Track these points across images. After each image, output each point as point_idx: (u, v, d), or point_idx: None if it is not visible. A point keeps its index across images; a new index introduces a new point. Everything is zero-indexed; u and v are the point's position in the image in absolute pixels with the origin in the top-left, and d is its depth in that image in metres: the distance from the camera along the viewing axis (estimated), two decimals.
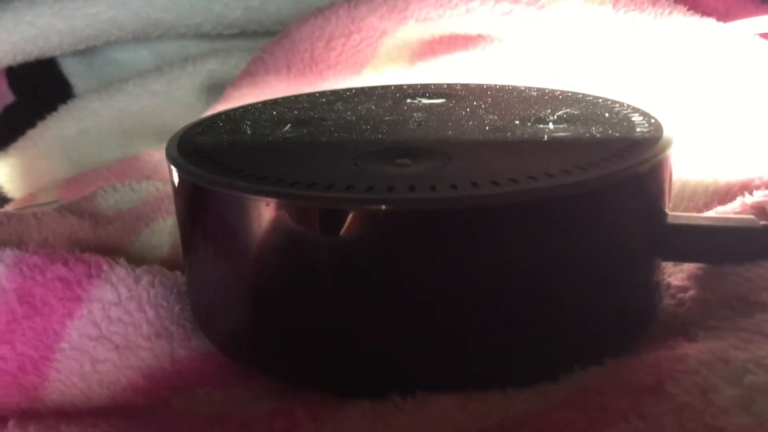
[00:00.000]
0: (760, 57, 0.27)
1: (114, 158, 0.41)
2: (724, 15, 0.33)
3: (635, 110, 0.19)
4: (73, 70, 0.44)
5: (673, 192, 0.24)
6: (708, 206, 0.22)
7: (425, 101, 0.21)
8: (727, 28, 0.30)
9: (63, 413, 0.17)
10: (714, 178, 0.23)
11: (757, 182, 0.22)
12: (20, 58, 0.41)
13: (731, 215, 0.18)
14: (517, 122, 0.18)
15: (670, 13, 0.31)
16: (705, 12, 0.32)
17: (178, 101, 0.42)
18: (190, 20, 0.42)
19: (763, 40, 0.28)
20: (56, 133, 0.42)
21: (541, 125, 0.18)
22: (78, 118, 0.42)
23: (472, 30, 0.32)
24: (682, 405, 0.12)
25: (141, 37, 0.43)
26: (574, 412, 0.13)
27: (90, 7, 0.41)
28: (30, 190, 0.42)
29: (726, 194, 0.22)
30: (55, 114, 0.42)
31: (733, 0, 0.34)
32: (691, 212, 0.23)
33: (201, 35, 0.43)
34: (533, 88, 0.22)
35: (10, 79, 0.43)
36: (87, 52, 0.43)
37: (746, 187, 0.22)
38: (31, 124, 0.42)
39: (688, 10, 0.32)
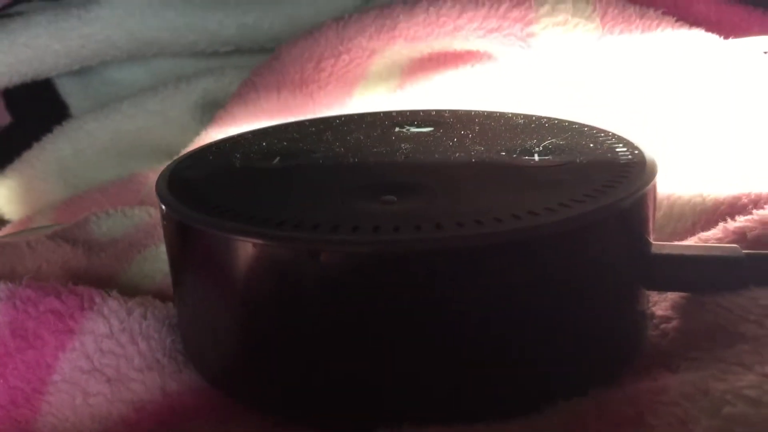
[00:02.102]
0: (749, 69, 0.27)
1: (110, 179, 0.42)
2: (716, 23, 0.33)
3: (619, 140, 0.19)
4: (69, 90, 0.44)
5: (662, 212, 0.24)
6: (695, 225, 0.23)
7: (414, 130, 0.22)
8: (717, 41, 0.30)
9: None
10: (702, 197, 0.23)
11: (744, 200, 0.22)
12: (16, 80, 0.41)
13: (714, 244, 0.18)
14: (503, 154, 0.19)
15: (658, 25, 0.32)
16: (696, 21, 0.32)
17: (172, 120, 0.42)
18: (185, 39, 0.43)
19: (753, 50, 0.28)
20: (52, 155, 0.42)
21: (527, 157, 0.18)
22: (73, 138, 0.42)
23: (461, 47, 0.33)
24: None
25: (136, 57, 0.43)
26: None
27: (85, 28, 0.41)
28: (27, 212, 0.42)
29: (714, 213, 0.22)
30: (50, 135, 0.42)
31: (724, 8, 0.34)
32: (680, 232, 0.23)
33: (196, 53, 0.44)
34: (520, 115, 0.22)
35: (7, 100, 0.43)
36: (83, 72, 0.44)
37: (734, 206, 0.22)
38: (28, 145, 0.43)
39: (677, 21, 0.32)
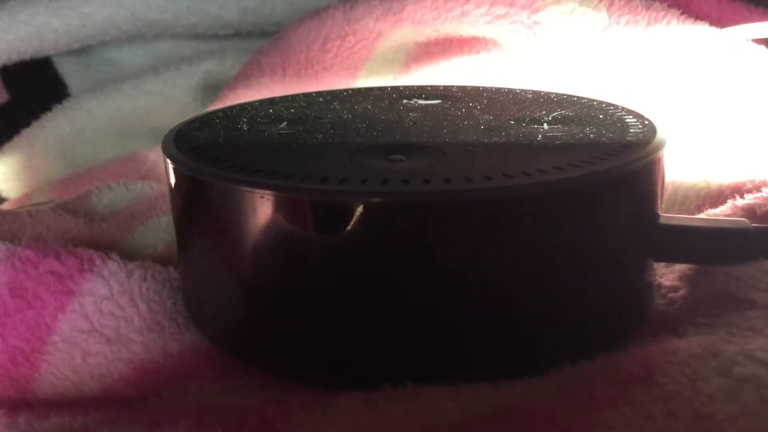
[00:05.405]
0: (753, 61, 0.28)
1: (109, 158, 0.41)
2: (717, 20, 0.33)
3: (629, 112, 0.19)
4: (68, 70, 0.44)
5: (666, 195, 0.24)
6: (699, 209, 0.23)
7: (421, 102, 0.22)
8: (720, 33, 0.30)
9: (53, 403, 0.17)
10: (706, 182, 0.23)
11: (749, 185, 0.22)
12: (15, 58, 0.41)
13: (722, 218, 0.18)
14: (512, 122, 0.18)
15: (664, 17, 0.32)
16: (698, 17, 0.32)
17: (173, 101, 0.42)
18: (186, 20, 0.42)
19: (756, 45, 0.29)
20: (51, 133, 0.42)
21: (536, 125, 0.18)
22: (73, 117, 0.42)
23: (467, 33, 0.33)
24: (671, 393, 0.12)
25: (137, 37, 0.43)
26: (564, 400, 0.13)
27: (85, 7, 0.41)
28: (25, 190, 0.42)
29: (718, 197, 0.22)
30: (49, 113, 0.42)
31: (725, 4, 0.34)
32: (683, 215, 0.23)
33: (197, 36, 0.43)
34: (529, 90, 0.22)
35: (6, 78, 0.43)
36: (82, 51, 0.43)
37: (738, 190, 0.22)
38: (26, 123, 0.42)
39: (681, 14, 0.32)
